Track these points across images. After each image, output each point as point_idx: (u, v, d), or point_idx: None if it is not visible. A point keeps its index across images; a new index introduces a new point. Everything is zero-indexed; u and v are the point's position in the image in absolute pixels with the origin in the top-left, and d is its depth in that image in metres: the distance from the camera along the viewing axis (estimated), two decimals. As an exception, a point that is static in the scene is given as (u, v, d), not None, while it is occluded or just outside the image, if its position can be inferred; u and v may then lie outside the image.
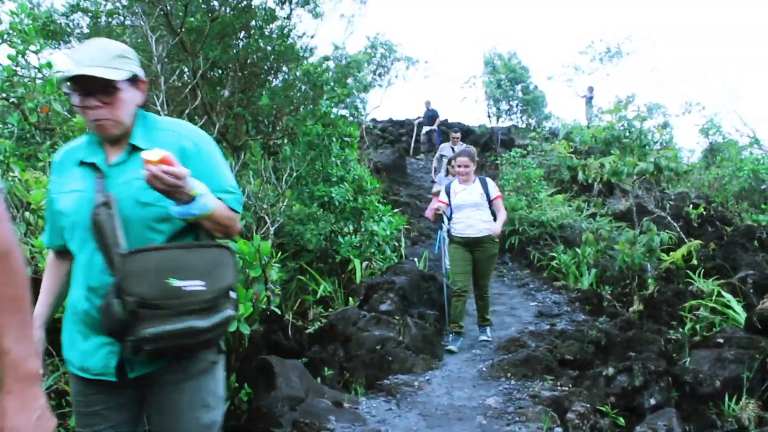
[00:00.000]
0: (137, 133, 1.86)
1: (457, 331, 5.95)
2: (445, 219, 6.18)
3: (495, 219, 5.97)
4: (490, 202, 5.91)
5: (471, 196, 5.91)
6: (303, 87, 8.53)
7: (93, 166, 1.86)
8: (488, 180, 6.09)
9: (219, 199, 1.88)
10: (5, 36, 4.23)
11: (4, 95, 4.05)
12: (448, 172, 9.12)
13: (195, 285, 1.72)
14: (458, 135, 12.90)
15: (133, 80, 1.88)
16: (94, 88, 1.78)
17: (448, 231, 6.15)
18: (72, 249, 1.90)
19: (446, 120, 22.34)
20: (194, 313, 1.71)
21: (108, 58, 1.80)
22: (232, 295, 1.84)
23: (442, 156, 11.90)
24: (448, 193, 6.11)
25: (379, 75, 16.61)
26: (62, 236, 1.93)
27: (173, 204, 1.75)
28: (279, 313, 4.95)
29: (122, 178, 1.82)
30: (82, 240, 1.84)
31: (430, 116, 17.81)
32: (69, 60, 1.79)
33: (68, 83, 1.81)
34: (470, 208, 5.88)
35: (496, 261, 6.72)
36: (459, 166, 6.01)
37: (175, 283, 1.69)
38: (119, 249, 1.72)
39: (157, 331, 1.67)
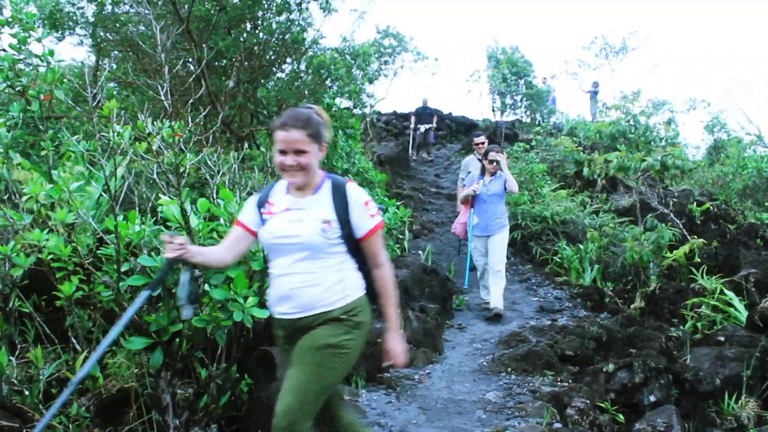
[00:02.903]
0: None
1: None
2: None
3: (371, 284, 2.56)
4: (355, 240, 2.50)
5: (298, 226, 2.45)
6: (308, 79, 8.51)
7: None
8: (351, 187, 2.52)
9: None
10: (6, 25, 4.23)
11: (8, 83, 4.06)
12: (484, 171, 6.92)
13: None
14: (483, 141, 8.21)
15: None
16: None
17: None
18: None
19: (450, 113, 22.33)
20: None
21: None
22: None
23: (469, 173, 7.95)
24: (260, 207, 2.59)
25: (385, 63, 16.43)
26: None
27: None
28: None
29: None
30: None
31: (429, 114, 17.14)
32: None
33: None
34: (294, 252, 2.44)
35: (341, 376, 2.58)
36: (280, 151, 2.43)
37: None
38: None
39: None
